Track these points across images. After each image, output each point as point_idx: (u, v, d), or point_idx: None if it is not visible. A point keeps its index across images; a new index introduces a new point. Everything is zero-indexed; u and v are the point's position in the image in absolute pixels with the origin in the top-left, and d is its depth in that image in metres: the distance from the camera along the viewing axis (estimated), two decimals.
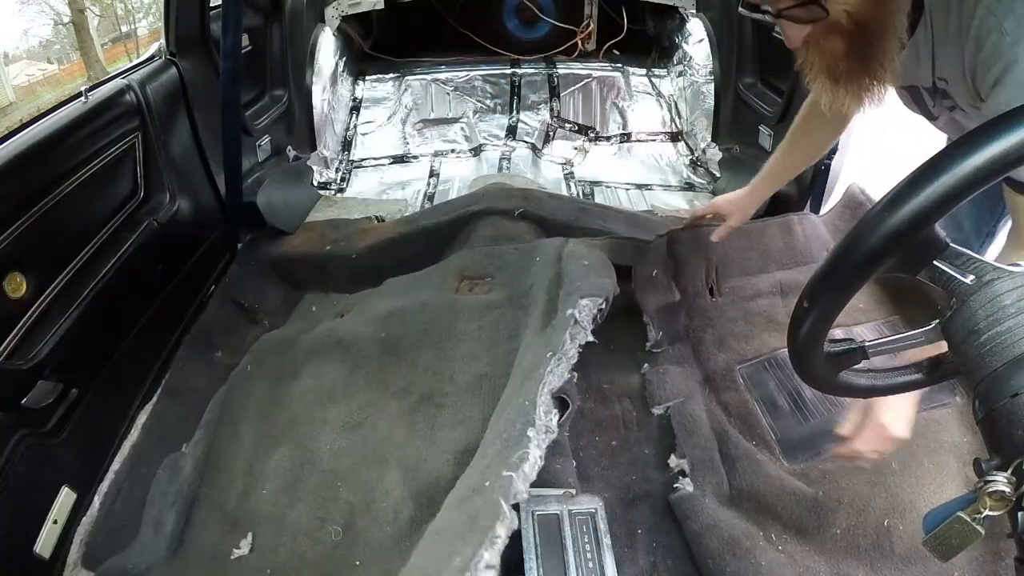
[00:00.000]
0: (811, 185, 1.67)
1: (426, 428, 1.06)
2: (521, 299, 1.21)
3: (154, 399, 1.24)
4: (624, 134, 2.47)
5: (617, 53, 2.65)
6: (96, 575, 1.00)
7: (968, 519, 0.46)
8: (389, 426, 1.09)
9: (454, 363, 1.14)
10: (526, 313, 1.17)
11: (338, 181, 2.26)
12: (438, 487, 0.95)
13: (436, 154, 2.44)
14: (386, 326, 1.25)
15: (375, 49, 2.66)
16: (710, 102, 2.18)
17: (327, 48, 2.24)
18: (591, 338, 0.96)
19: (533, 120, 2.52)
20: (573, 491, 0.87)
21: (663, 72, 2.53)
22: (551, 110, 2.51)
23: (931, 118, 0.92)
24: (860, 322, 1.31)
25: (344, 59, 2.39)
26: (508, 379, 1.03)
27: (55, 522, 1.00)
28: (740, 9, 0.79)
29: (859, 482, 0.99)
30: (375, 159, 2.40)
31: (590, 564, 0.77)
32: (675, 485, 1.04)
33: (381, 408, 1.13)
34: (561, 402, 0.88)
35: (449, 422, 1.04)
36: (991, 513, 0.44)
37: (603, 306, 1.00)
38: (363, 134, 2.45)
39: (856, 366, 0.62)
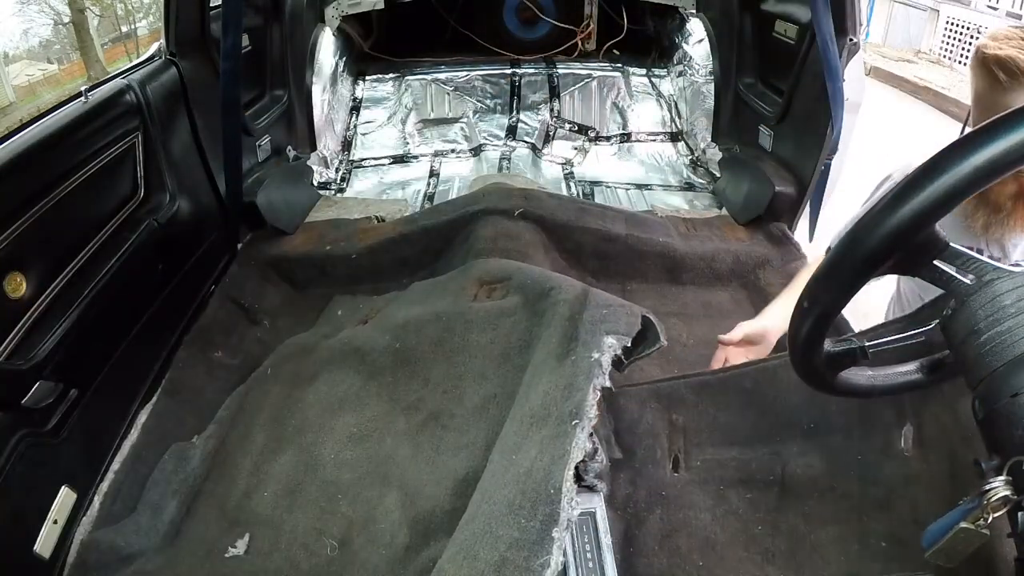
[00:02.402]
0: (811, 185, 1.67)
1: (430, 451, 1.05)
2: (537, 303, 1.14)
3: (154, 399, 1.24)
4: (624, 134, 2.47)
5: (617, 53, 2.65)
6: (84, 544, 1.00)
7: (971, 527, 0.46)
8: (395, 443, 1.09)
9: (464, 381, 1.11)
10: (540, 321, 1.10)
11: (338, 181, 2.26)
12: (434, 516, 0.94)
13: (436, 154, 2.44)
14: (401, 336, 1.22)
15: (375, 49, 2.66)
16: (710, 102, 2.18)
17: (327, 48, 2.24)
18: (608, 383, 0.87)
19: (533, 120, 2.52)
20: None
21: (663, 72, 2.53)
22: (551, 110, 2.51)
23: None
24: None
25: (344, 59, 2.39)
26: (514, 401, 0.98)
27: (55, 522, 0.99)
28: None
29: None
30: (375, 159, 2.40)
31: (590, 564, 0.76)
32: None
33: (389, 423, 1.12)
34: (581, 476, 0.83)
35: (452, 446, 1.03)
36: (993, 516, 0.44)
37: (628, 344, 0.93)
38: (363, 134, 2.45)
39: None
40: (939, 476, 0.85)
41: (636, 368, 1.38)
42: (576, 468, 0.82)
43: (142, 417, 1.20)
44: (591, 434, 0.88)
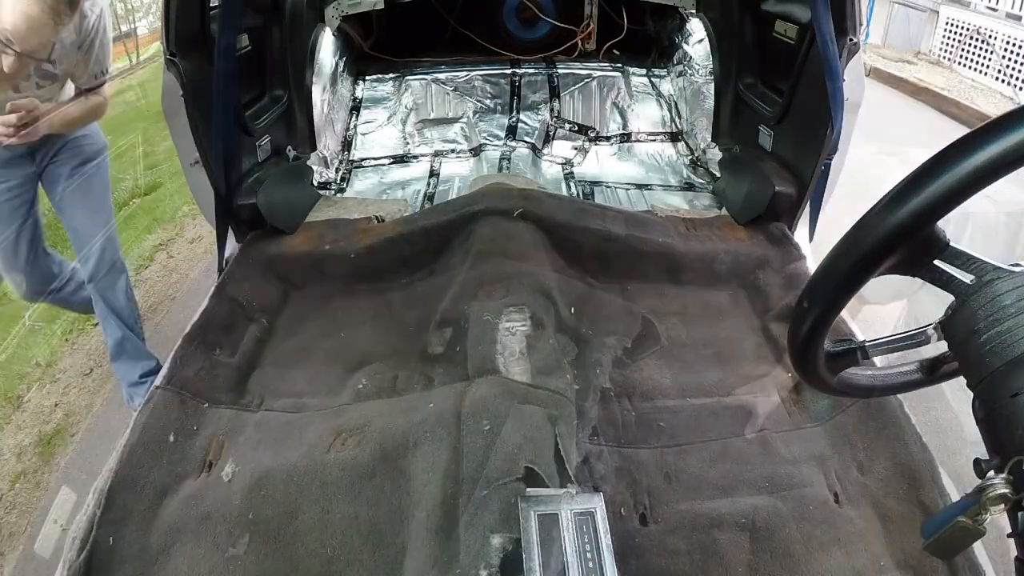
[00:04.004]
0: (811, 185, 1.67)
1: None
2: (400, 460, 1.01)
3: (153, 398, 1.24)
4: (624, 134, 2.47)
5: (617, 53, 2.65)
6: (84, 544, 0.97)
7: (969, 522, 0.46)
8: None
9: (336, 566, 0.95)
10: (409, 488, 0.98)
11: (338, 181, 2.26)
12: None
13: (436, 154, 2.44)
14: (255, 504, 1.04)
15: (375, 49, 2.66)
16: (710, 102, 2.18)
17: (327, 48, 2.24)
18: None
19: (533, 120, 2.52)
20: (573, 491, 0.86)
21: (663, 72, 2.53)
22: (551, 110, 2.51)
23: None
24: None
25: (344, 59, 2.39)
26: None
27: (55, 522, 0.99)
28: None
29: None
30: (375, 159, 2.40)
31: (590, 564, 0.76)
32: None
33: None
34: None
35: None
36: (992, 514, 0.44)
37: (518, 536, 0.80)
38: (363, 134, 2.45)
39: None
40: (870, 521, 1.05)
41: (636, 368, 1.38)
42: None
43: (142, 416, 1.20)
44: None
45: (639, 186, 2.25)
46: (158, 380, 1.28)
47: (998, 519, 0.45)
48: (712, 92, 2.17)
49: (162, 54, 1.49)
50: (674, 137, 2.44)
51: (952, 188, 0.43)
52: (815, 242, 1.76)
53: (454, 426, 1.00)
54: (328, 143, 2.24)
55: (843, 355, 0.61)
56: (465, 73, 2.52)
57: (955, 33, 6.34)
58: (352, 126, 2.45)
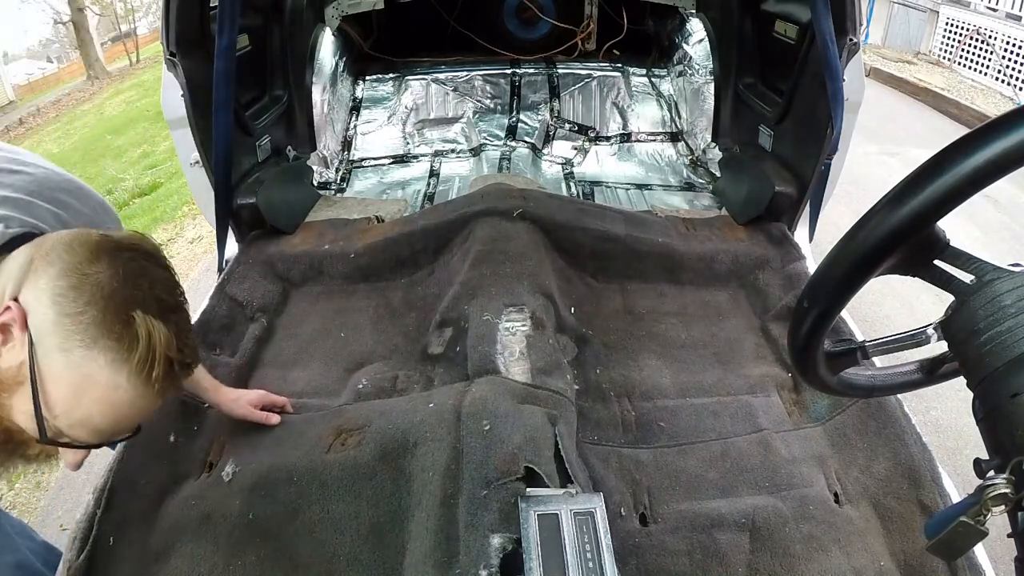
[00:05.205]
0: (811, 185, 1.67)
1: None
2: (399, 460, 1.01)
3: None
4: (624, 134, 2.47)
5: (617, 53, 2.65)
6: (84, 543, 0.96)
7: (971, 522, 0.46)
8: None
9: (337, 564, 0.94)
10: (409, 489, 0.98)
11: (338, 181, 2.26)
12: None
13: (436, 154, 2.44)
14: (255, 503, 1.03)
15: (375, 49, 2.66)
16: (710, 102, 2.18)
17: (327, 48, 2.25)
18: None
19: (533, 120, 2.52)
20: (573, 491, 0.86)
21: (663, 72, 2.53)
22: (551, 110, 2.51)
23: None
24: None
25: (344, 59, 2.39)
26: None
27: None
28: None
29: None
30: (375, 159, 2.40)
31: (590, 564, 0.76)
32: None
33: None
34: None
35: None
36: (993, 514, 0.44)
37: (517, 537, 0.81)
38: (363, 134, 2.45)
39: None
40: (870, 521, 1.06)
41: (636, 368, 1.38)
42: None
43: None
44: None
45: (639, 186, 2.25)
46: None
47: (999, 519, 0.45)
48: (712, 92, 2.17)
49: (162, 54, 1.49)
50: (674, 137, 2.44)
51: (952, 188, 0.43)
52: (815, 242, 1.76)
53: (454, 426, 1.00)
54: (328, 143, 2.25)
55: (843, 355, 0.61)
56: (465, 73, 2.52)
57: (955, 33, 6.34)
58: (352, 126, 2.45)
